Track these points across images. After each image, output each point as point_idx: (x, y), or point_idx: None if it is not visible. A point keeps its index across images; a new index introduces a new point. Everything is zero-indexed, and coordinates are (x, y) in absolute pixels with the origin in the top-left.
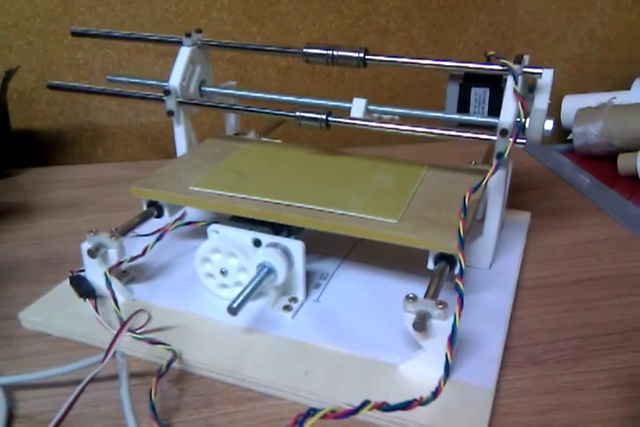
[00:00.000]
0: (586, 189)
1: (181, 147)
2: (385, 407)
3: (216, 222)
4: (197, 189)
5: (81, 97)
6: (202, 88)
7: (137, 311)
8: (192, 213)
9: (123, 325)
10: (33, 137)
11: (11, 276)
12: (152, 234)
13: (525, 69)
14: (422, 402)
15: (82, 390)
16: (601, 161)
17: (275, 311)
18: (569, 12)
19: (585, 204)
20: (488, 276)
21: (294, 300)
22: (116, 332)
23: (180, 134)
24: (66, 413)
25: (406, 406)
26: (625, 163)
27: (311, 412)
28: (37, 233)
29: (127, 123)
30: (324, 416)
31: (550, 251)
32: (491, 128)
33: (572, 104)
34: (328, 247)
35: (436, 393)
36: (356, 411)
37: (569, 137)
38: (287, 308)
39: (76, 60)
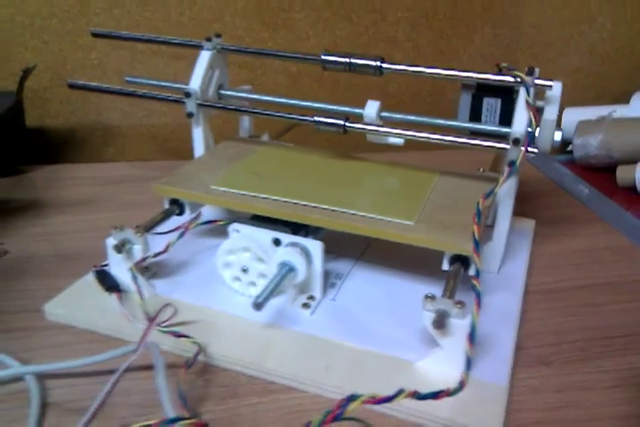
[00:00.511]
0: (586, 199)
1: (199, 148)
2: (418, 396)
3: (235, 221)
4: (218, 188)
5: (93, 97)
6: (220, 91)
7: (165, 305)
8: (207, 213)
9: (153, 318)
10: (45, 135)
11: (26, 270)
12: (170, 232)
13: (537, 81)
14: (450, 393)
15: (117, 380)
16: (600, 172)
17: (293, 308)
18: (570, 26)
19: (586, 213)
20: (497, 279)
21: (312, 298)
22: (140, 325)
23: (199, 136)
24: (103, 401)
25: (436, 395)
26: (623, 175)
27: (352, 397)
28: (51, 229)
29: (138, 123)
30: (365, 401)
31: (554, 257)
32: (502, 137)
33: (572, 116)
34: (342, 248)
35: (461, 385)
36: (392, 398)
37: (568, 148)
38: (305, 305)
39: (90, 60)
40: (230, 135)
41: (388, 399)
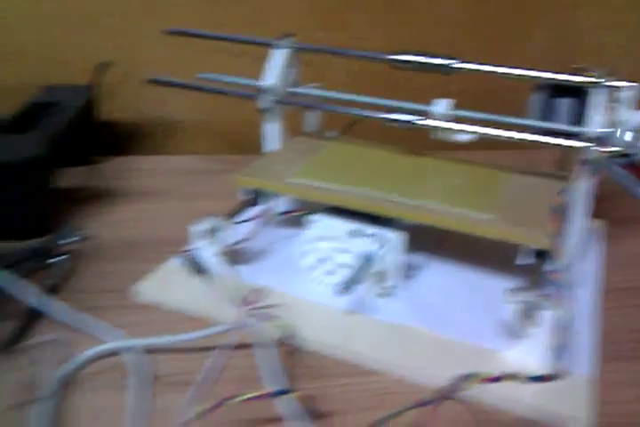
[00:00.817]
0: None
1: (272, 143)
2: (528, 377)
3: (314, 212)
4: (298, 180)
5: (158, 93)
6: (293, 88)
7: (257, 288)
8: (281, 204)
9: (249, 299)
10: (113, 128)
11: (102, 255)
12: (249, 221)
13: (612, 83)
14: (550, 378)
15: (221, 355)
16: None
17: (372, 297)
18: (628, 29)
19: None
20: (571, 276)
21: (390, 287)
22: (231, 306)
23: (272, 131)
24: (206, 375)
25: (541, 379)
26: None
27: (470, 375)
28: (122, 217)
29: (200, 118)
30: (482, 380)
31: (625, 257)
32: (573, 137)
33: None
34: (418, 240)
35: (559, 373)
36: (502, 378)
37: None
38: (384, 294)
39: (158, 57)
40: (294, 131)
41: (498, 379)
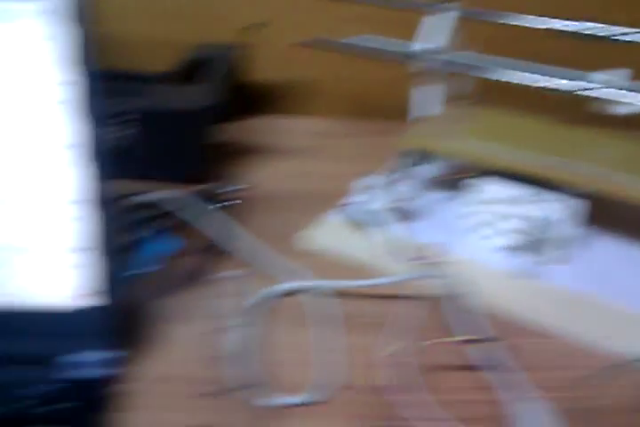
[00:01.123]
0: None
1: (425, 107)
2: None
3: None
4: (464, 143)
5: (298, 55)
6: (446, 54)
7: (426, 244)
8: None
9: (420, 254)
10: (254, 88)
11: (261, 205)
12: (410, 180)
13: None
14: None
15: (404, 303)
16: None
17: (542, 262)
18: None
19: None
20: None
21: (557, 254)
22: (394, 259)
23: (425, 96)
24: (394, 321)
25: None
26: None
27: None
28: (270, 172)
29: (335, 83)
30: None
31: None
32: None
33: None
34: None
35: None
36: None
37: None
38: (550, 261)
39: (293, 21)
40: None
41: None
